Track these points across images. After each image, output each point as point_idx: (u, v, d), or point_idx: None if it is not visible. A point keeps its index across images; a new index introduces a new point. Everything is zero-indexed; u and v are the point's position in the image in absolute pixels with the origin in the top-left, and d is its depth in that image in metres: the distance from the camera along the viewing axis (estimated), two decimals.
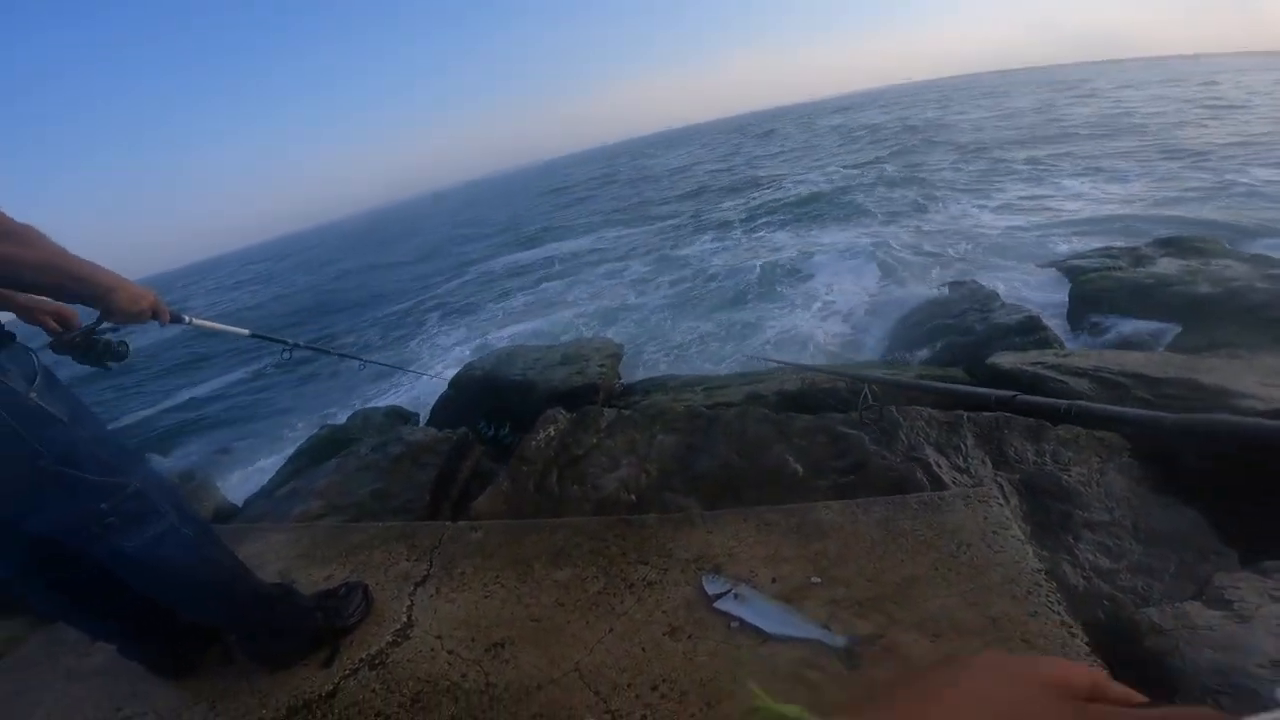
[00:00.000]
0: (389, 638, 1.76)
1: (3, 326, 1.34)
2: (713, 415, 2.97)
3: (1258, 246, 5.35)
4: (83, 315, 1.54)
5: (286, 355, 2.18)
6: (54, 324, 1.54)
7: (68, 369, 1.56)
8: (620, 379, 4.29)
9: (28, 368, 1.33)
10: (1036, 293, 5.47)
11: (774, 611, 1.52)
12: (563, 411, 3.30)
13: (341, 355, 2.98)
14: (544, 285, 15.93)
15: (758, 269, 11.56)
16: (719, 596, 1.60)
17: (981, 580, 1.50)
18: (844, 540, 1.69)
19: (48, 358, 1.43)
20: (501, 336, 11.19)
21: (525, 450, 3.08)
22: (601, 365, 3.96)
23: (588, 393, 3.65)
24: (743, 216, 18.31)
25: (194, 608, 1.60)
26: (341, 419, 5.26)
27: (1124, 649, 1.39)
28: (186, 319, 1.64)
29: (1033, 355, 2.86)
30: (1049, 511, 1.91)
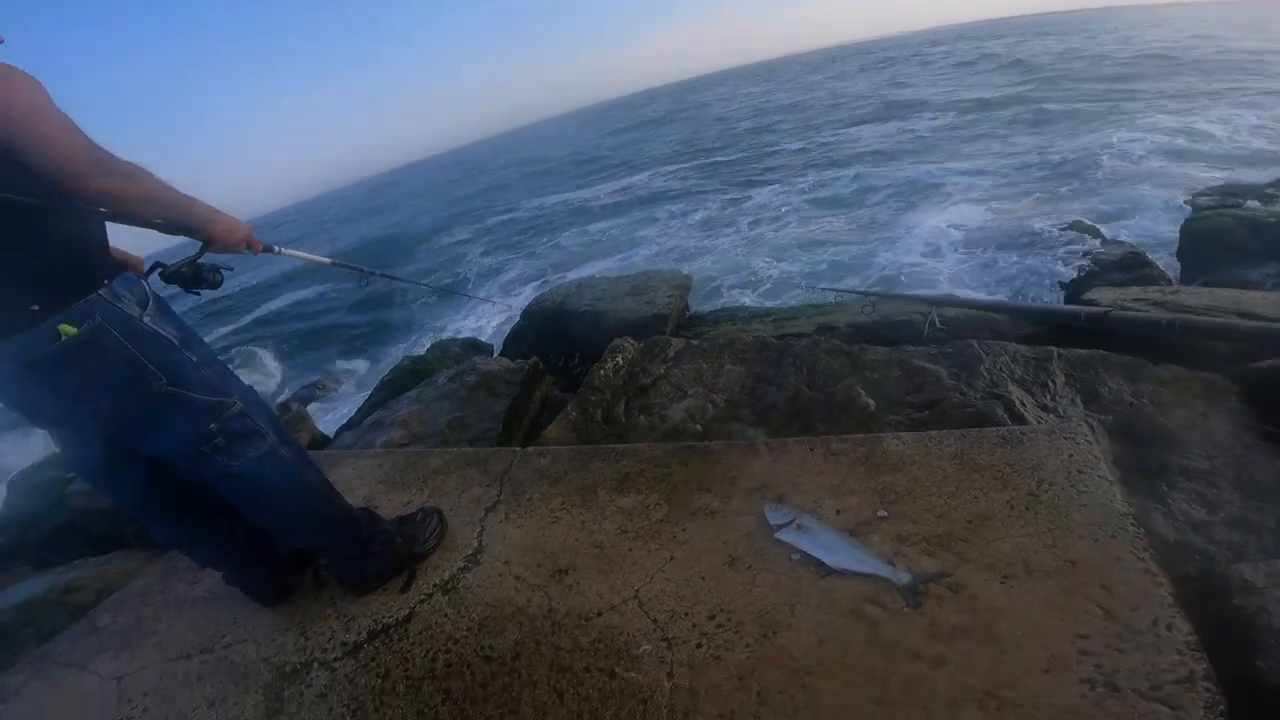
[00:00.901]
0: (460, 563, 1.84)
1: (112, 260, 1.43)
2: (782, 346, 2.89)
3: None
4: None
5: (365, 284, 2.25)
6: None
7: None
8: (689, 309, 4.23)
9: (140, 294, 1.43)
10: (1148, 228, 4.94)
11: (837, 544, 1.49)
12: (631, 340, 3.29)
13: (416, 284, 3.06)
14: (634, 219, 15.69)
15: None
16: (781, 527, 1.58)
17: (1061, 521, 1.41)
18: (914, 474, 1.63)
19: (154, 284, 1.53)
20: (575, 272, 11.28)
21: (593, 379, 3.10)
22: (670, 295, 3.91)
23: (656, 323, 3.62)
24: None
25: (291, 529, 1.70)
26: (420, 349, 5.46)
27: (1211, 604, 1.29)
28: (276, 249, 1.70)
29: (1134, 291, 2.60)
30: (1143, 457, 1.77)
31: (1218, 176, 7.61)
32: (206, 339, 1.58)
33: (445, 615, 1.69)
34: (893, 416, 2.29)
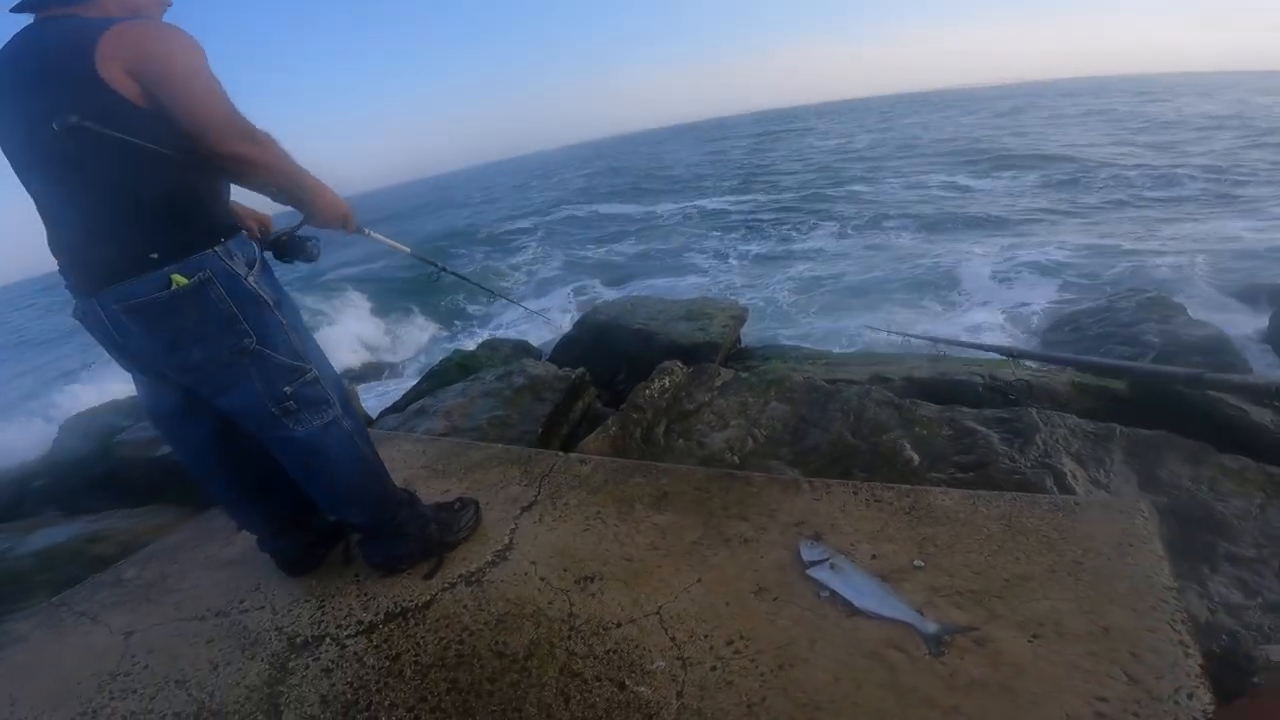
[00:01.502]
0: (489, 557, 1.87)
1: (232, 219, 1.54)
2: (831, 390, 2.87)
3: None
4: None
5: (436, 278, 2.34)
6: (256, 229, 1.72)
7: None
8: (740, 341, 4.25)
9: (250, 254, 1.53)
10: (1236, 315, 4.65)
11: (868, 587, 1.47)
12: (680, 365, 3.32)
13: (483, 289, 3.14)
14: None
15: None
16: (814, 564, 1.57)
17: (1103, 588, 1.38)
18: (957, 529, 1.60)
19: None
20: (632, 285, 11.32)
21: (638, 397, 3.14)
22: (725, 325, 3.94)
23: (707, 350, 3.65)
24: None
25: (338, 500, 1.75)
26: (468, 343, 5.60)
27: (1232, 681, 1.29)
28: (365, 230, 1.79)
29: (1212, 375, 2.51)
30: (1190, 539, 1.75)
31: None
32: None
33: (465, 606, 1.71)
34: (936, 474, 2.25)
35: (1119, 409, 2.51)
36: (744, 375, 3.19)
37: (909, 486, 1.83)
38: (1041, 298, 7.43)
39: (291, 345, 1.56)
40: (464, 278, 2.61)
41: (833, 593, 1.50)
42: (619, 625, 1.54)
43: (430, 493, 2.20)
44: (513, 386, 3.69)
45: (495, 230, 22.60)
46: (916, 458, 2.35)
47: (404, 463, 2.49)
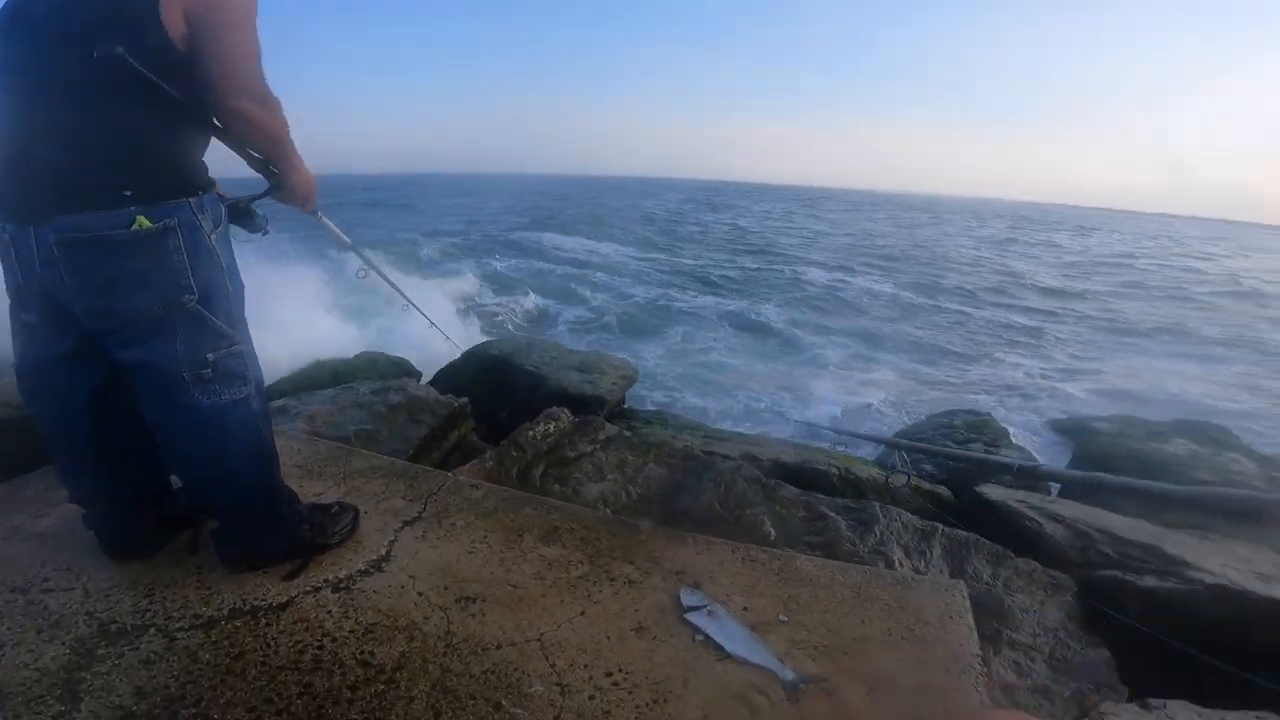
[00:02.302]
0: (361, 565, 1.81)
1: (207, 174, 1.49)
2: (707, 461, 3.09)
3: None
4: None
5: (362, 275, 2.30)
6: None
7: None
8: (625, 401, 4.42)
9: (217, 214, 1.48)
10: (1049, 440, 5.52)
11: (739, 634, 1.63)
12: (566, 413, 3.41)
13: (403, 296, 3.05)
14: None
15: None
16: (692, 609, 1.70)
17: (927, 653, 1.63)
18: (817, 592, 1.82)
19: None
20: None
21: (520, 437, 3.17)
22: (614, 382, 4.09)
23: (594, 403, 3.77)
24: None
25: (217, 484, 1.63)
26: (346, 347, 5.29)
27: None
28: (320, 215, 1.79)
29: (1020, 494, 3.06)
30: (983, 625, 2.08)
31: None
32: None
33: (329, 612, 1.64)
34: (789, 550, 2.50)
35: (943, 512, 2.95)
36: (627, 434, 3.34)
37: (780, 551, 2.05)
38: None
39: (229, 312, 1.51)
40: (388, 280, 2.57)
41: (707, 637, 1.63)
42: (499, 647, 1.56)
43: (304, 494, 2.09)
44: (388, 403, 3.57)
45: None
46: (774, 533, 2.59)
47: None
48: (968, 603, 1.81)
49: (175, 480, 1.80)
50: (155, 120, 1.32)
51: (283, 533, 1.75)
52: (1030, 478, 2.59)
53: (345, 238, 2.01)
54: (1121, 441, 4.29)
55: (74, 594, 1.63)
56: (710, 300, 16.73)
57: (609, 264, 20.41)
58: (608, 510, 2.81)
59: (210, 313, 1.46)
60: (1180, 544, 2.58)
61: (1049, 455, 4.68)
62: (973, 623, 1.74)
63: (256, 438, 1.64)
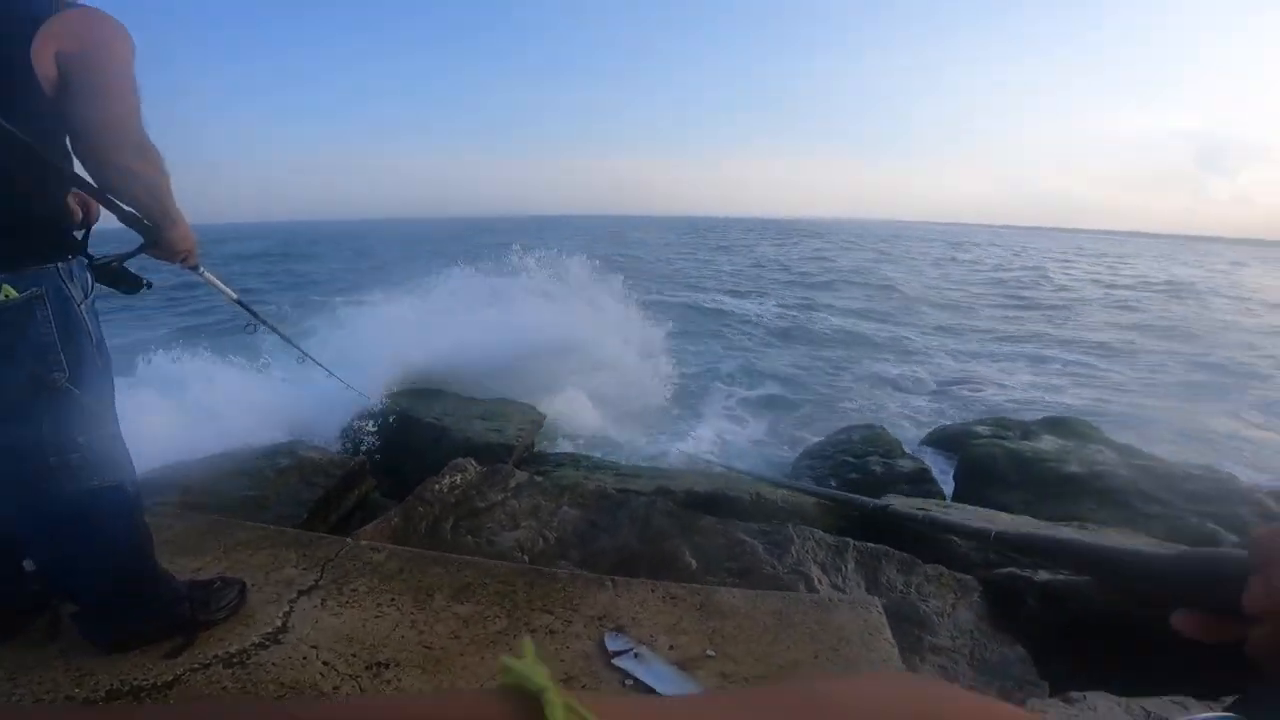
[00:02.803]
0: (256, 639, 1.66)
1: (75, 236, 1.39)
2: (621, 499, 3.06)
3: (1129, 436, 5.98)
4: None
5: (252, 330, 2.13)
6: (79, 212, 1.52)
7: None
8: (534, 445, 4.31)
9: (86, 282, 1.37)
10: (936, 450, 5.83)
11: (668, 675, 1.59)
12: (473, 463, 3.29)
13: (296, 346, 2.80)
14: None
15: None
16: (619, 654, 1.65)
17: (853, 670, 1.65)
18: (740, 622, 1.81)
19: None
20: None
21: (426, 491, 3.03)
22: (521, 428, 3.99)
23: (501, 451, 3.65)
24: None
25: (85, 571, 1.48)
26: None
27: None
28: (201, 270, 1.66)
29: (918, 502, 3.23)
30: (903, 634, 2.17)
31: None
32: None
33: (224, 688, 1.50)
34: (710, 577, 2.49)
35: (851, 526, 3.06)
36: (538, 479, 3.26)
37: (699, 585, 2.03)
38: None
39: (101, 392, 1.38)
40: (281, 334, 2.38)
41: (636, 680, 1.59)
42: None
43: (179, 570, 1.89)
44: (276, 467, 3.33)
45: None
46: (695, 563, 2.59)
47: None
48: (884, 618, 1.85)
49: (29, 563, 1.60)
50: (22, 180, 1.21)
51: (157, 613, 1.59)
52: (937, 528, 2.74)
53: (229, 290, 1.86)
54: (998, 444, 4.65)
55: None
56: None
57: None
58: (525, 558, 2.72)
59: (81, 391, 1.32)
60: (1060, 535, 2.79)
61: (935, 463, 5.00)
62: (891, 637, 1.79)
63: (130, 524, 1.50)
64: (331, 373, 3.11)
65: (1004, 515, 3.06)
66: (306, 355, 2.63)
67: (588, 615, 1.83)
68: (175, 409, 4.26)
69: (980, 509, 3.18)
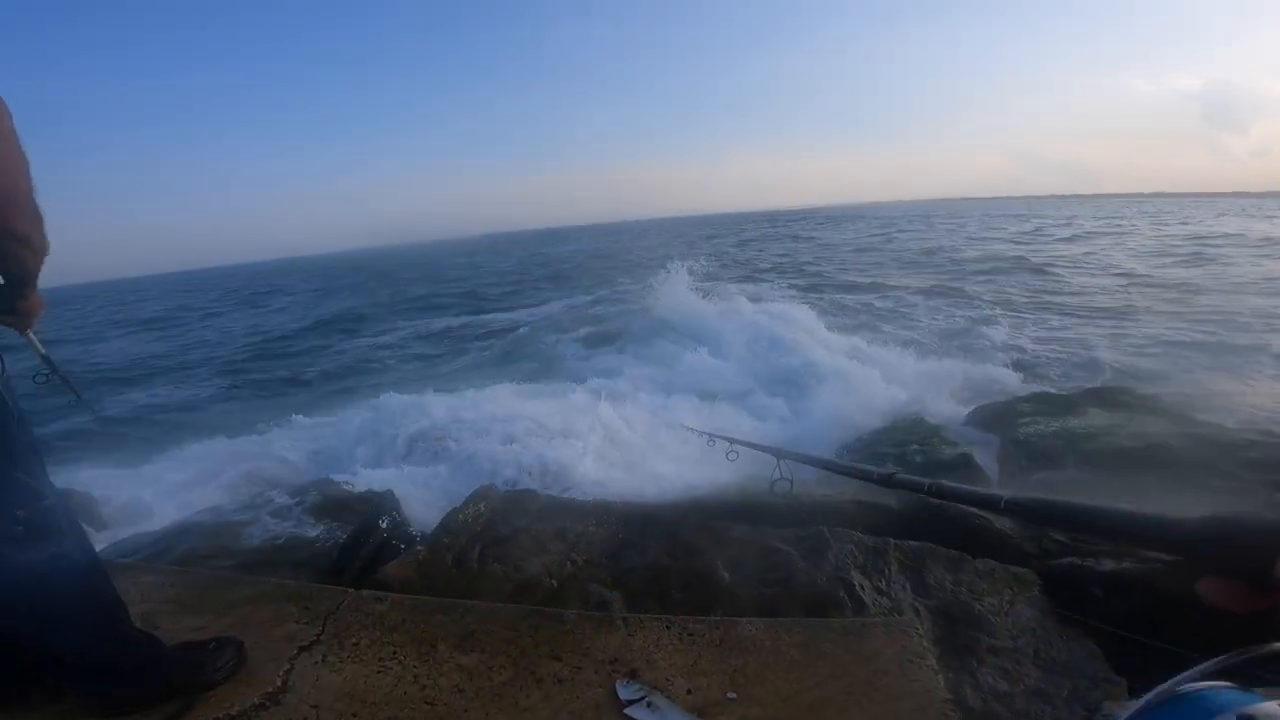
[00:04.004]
0: (256, 699, 1.59)
1: None
2: (649, 514, 2.93)
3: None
4: None
5: (42, 380, 1.87)
6: None
7: None
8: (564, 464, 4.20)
9: None
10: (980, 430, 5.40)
11: None
12: (495, 489, 3.22)
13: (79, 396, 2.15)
14: None
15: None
16: (631, 703, 1.51)
17: (893, 706, 1.47)
18: (764, 658, 1.64)
19: None
20: None
21: (450, 522, 2.98)
22: (546, 447, 3.87)
23: (524, 475, 3.55)
24: None
25: (50, 637, 1.46)
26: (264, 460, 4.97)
27: None
28: (29, 333, 1.60)
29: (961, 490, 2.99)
30: (958, 636, 1.98)
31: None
32: None
33: None
34: (746, 591, 2.35)
35: (891, 524, 2.84)
36: (562, 500, 3.17)
37: (718, 619, 1.86)
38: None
39: (31, 466, 1.36)
40: (71, 386, 1.95)
41: None
42: None
43: (178, 631, 1.85)
44: (304, 506, 3.32)
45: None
46: (728, 576, 2.44)
47: (144, 596, 2.05)
48: (925, 641, 1.65)
49: None
50: None
51: (148, 679, 1.56)
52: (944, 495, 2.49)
53: (41, 349, 1.76)
54: (1040, 423, 4.30)
55: None
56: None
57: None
58: (554, 583, 2.62)
59: (12, 467, 1.32)
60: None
61: (979, 449, 4.59)
62: (935, 663, 1.59)
63: (86, 590, 1.47)
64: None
65: (1057, 500, 2.78)
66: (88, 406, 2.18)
67: (598, 659, 1.69)
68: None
69: (1033, 492, 2.90)
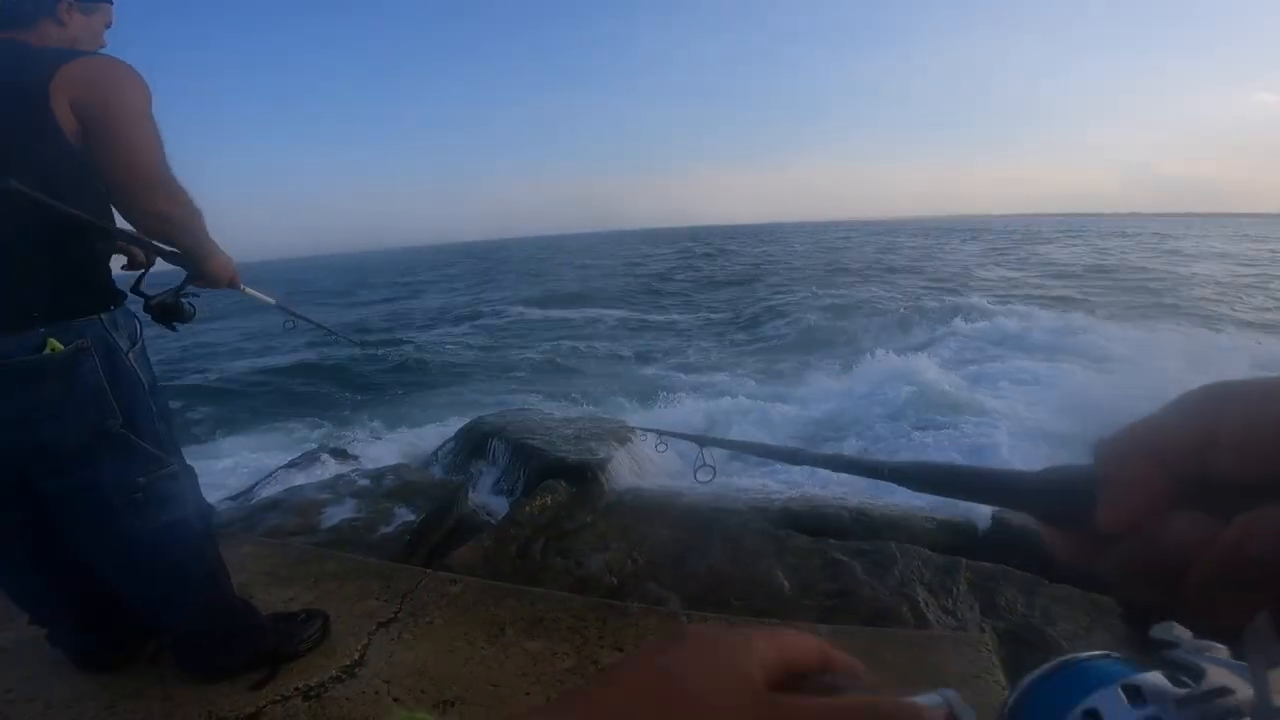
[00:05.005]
0: (334, 672, 1.70)
1: (116, 285, 1.43)
2: (713, 518, 2.94)
3: None
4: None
5: (290, 326, 2.12)
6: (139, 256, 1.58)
7: None
8: (632, 463, 4.24)
9: (133, 329, 1.41)
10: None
11: None
12: (564, 484, 3.29)
13: (349, 340, 2.82)
14: None
15: None
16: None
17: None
18: None
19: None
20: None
21: (517, 513, 3.06)
22: (614, 446, 3.92)
23: (593, 471, 3.62)
24: None
25: (160, 602, 1.55)
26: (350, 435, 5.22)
27: None
28: (243, 287, 1.70)
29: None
30: (1026, 659, 1.90)
31: None
32: None
33: None
34: (805, 601, 2.33)
35: (966, 545, 2.75)
36: (628, 499, 3.20)
37: (780, 623, 1.87)
38: None
39: (157, 433, 1.42)
40: (322, 325, 2.42)
41: None
42: None
43: (271, 601, 1.98)
44: (382, 489, 3.47)
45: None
46: (787, 585, 2.42)
47: (242, 566, 2.21)
48: (994, 656, 1.61)
49: None
50: (59, 237, 1.26)
51: (241, 647, 1.65)
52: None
53: (267, 298, 1.92)
54: None
55: (35, 706, 1.57)
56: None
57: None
58: (614, 580, 2.66)
59: (138, 436, 1.37)
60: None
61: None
62: (1004, 678, 1.54)
63: (199, 558, 1.54)
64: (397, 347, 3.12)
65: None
66: (361, 344, 2.66)
67: None
68: None
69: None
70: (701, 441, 1.32)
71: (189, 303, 1.55)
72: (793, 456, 0.80)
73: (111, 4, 1.46)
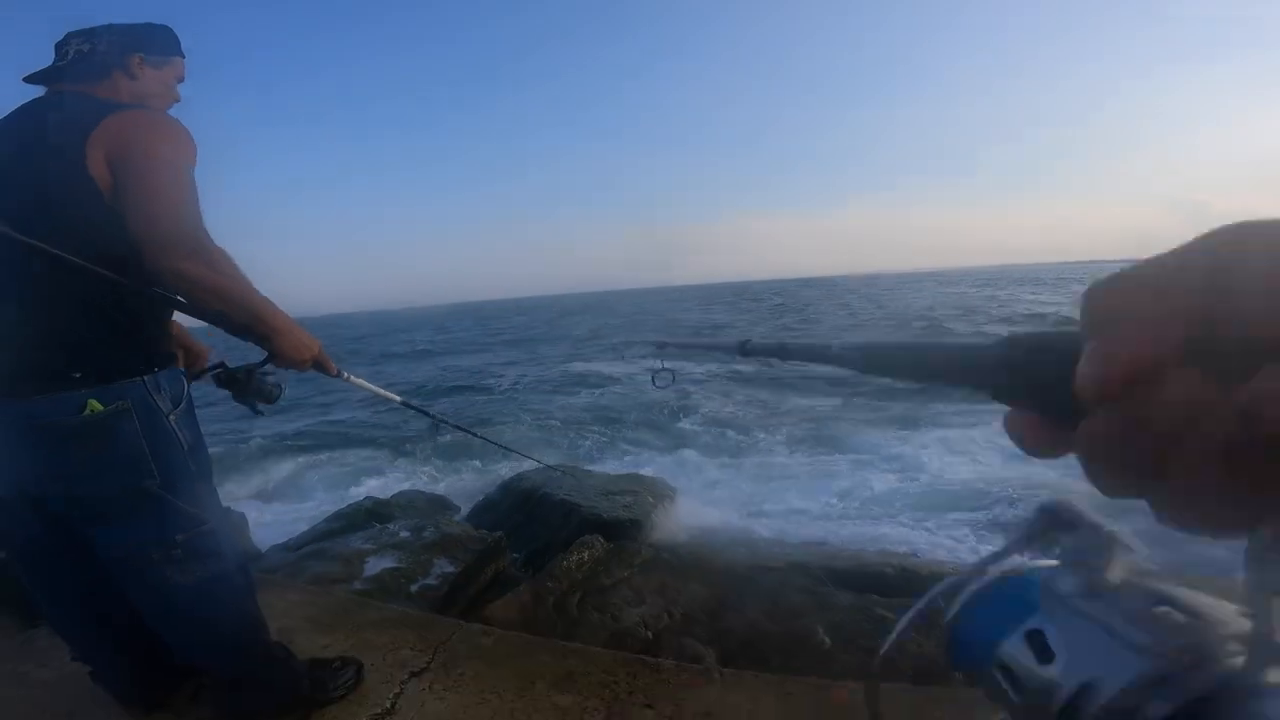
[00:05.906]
0: (364, 719, 1.69)
1: (170, 348, 1.43)
2: (749, 576, 2.88)
3: None
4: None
5: (437, 430, 2.11)
6: (182, 356, 1.58)
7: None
8: (669, 520, 4.20)
9: (178, 391, 1.39)
10: None
11: None
12: (601, 540, 3.28)
13: (484, 439, 2.74)
14: None
15: None
16: None
17: None
18: None
19: (197, 387, 1.50)
20: None
21: (554, 568, 3.06)
22: (651, 503, 3.89)
23: (630, 527, 3.58)
24: None
25: (202, 652, 1.56)
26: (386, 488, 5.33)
27: None
28: (346, 375, 1.64)
29: None
30: None
31: None
32: None
33: None
34: (847, 657, 2.24)
35: None
36: (665, 556, 3.16)
37: (818, 681, 1.79)
38: None
39: (195, 493, 1.42)
40: (462, 428, 2.37)
41: None
42: None
43: (309, 647, 2.00)
44: (423, 541, 3.51)
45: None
46: (829, 641, 2.34)
47: (287, 612, 2.26)
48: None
49: None
50: (100, 297, 1.25)
51: (277, 693, 1.66)
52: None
53: (392, 396, 1.84)
54: None
55: None
56: None
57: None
58: (649, 634, 2.61)
59: (174, 496, 1.37)
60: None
61: None
62: None
63: (240, 611, 1.56)
64: (537, 460, 3.11)
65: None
66: (505, 449, 2.64)
67: (691, 711, 1.67)
68: None
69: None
70: (660, 344, 1.28)
71: (273, 384, 1.48)
72: (741, 348, 0.79)
73: (183, 58, 1.47)
